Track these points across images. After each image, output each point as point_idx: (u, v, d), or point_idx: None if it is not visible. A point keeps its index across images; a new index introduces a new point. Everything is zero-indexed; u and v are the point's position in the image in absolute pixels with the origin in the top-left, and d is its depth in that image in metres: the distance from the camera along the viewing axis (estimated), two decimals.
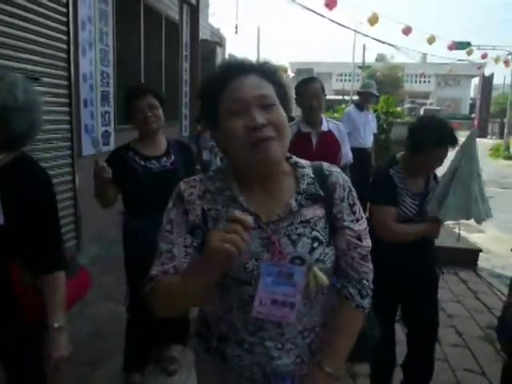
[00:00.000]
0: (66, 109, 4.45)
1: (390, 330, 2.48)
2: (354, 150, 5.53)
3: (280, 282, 1.12)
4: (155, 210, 2.35)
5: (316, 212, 1.19)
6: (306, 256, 1.14)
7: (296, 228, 1.16)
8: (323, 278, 1.13)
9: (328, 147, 3.21)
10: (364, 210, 1.29)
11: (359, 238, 1.22)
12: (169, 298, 1.12)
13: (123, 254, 2.67)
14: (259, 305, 1.13)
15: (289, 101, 1.21)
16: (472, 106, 46.22)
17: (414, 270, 2.31)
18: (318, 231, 1.17)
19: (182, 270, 1.12)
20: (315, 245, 1.16)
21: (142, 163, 2.53)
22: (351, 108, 6.10)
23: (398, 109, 10.48)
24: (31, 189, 1.57)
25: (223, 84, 1.13)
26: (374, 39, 23.31)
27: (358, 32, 18.76)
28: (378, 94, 6.12)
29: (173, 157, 2.60)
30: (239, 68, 1.15)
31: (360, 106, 5.88)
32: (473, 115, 39.67)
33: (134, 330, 2.74)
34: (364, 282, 1.25)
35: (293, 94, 2.48)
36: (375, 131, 6.18)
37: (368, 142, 5.82)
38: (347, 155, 3.51)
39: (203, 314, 1.32)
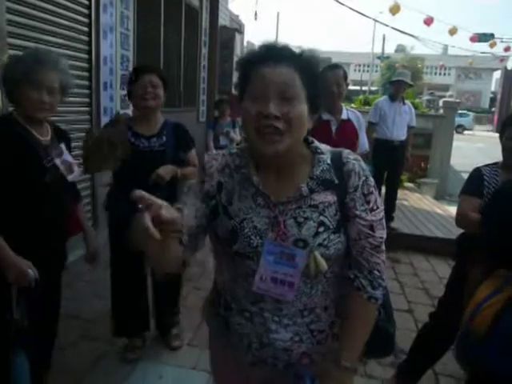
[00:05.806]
0: (86, 91, 4.50)
1: None
2: (378, 141, 5.50)
3: (282, 262, 1.18)
4: (136, 186, 2.40)
5: (327, 197, 1.19)
6: (310, 239, 1.17)
7: (304, 211, 1.18)
8: (323, 263, 1.15)
9: (347, 135, 3.24)
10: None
11: (371, 228, 1.20)
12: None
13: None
14: (259, 280, 1.20)
15: (318, 97, 1.19)
16: (492, 100, 45.43)
17: None
18: (325, 217, 1.18)
19: None
20: (320, 229, 1.17)
21: (132, 140, 2.53)
22: (382, 98, 5.84)
23: (417, 100, 10.39)
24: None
25: (255, 67, 1.14)
26: (395, 29, 23.15)
27: (378, 21, 18.64)
28: (411, 83, 5.70)
29: (164, 138, 2.59)
30: (274, 54, 1.15)
31: (392, 96, 5.58)
32: (493, 109, 39.04)
33: (120, 294, 2.79)
34: (375, 272, 1.24)
35: None
36: (413, 124, 5.74)
37: (396, 134, 5.53)
38: (364, 144, 3.54)
39: (215, 283, 1.39)
